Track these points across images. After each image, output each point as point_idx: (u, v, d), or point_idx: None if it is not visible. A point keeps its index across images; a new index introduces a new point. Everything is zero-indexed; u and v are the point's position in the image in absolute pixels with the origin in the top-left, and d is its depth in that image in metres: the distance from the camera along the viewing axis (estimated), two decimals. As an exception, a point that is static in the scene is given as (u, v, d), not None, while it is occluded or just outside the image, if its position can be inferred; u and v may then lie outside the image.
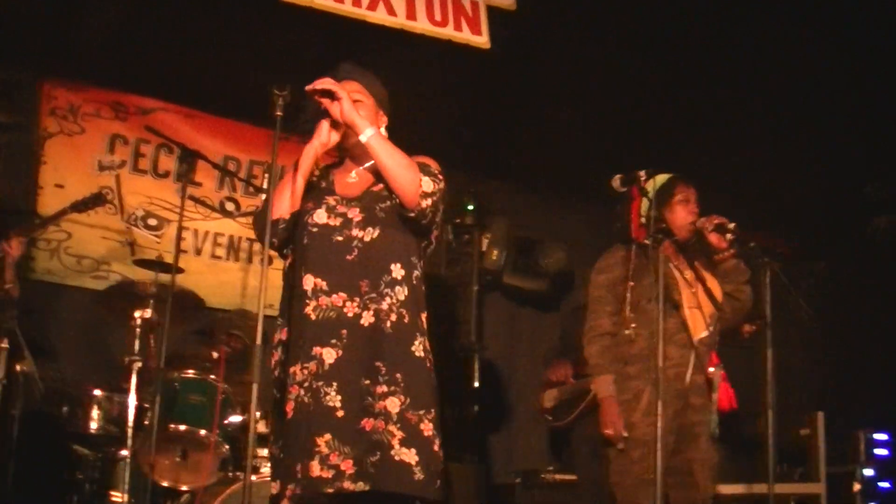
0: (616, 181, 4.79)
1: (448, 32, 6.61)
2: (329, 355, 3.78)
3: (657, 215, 4.93)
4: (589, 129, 8.07)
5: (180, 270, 5.94)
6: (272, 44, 6.74)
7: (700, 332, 5.06)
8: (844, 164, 8.40)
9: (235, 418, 5.95)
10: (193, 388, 5.95)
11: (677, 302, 5.04)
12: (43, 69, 7.13)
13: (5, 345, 5.28)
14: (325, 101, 3.85)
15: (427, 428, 3.81)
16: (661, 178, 5.09)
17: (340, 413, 3.75)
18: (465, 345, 8.29)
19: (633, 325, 4.99)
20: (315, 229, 3.89)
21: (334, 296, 3.82)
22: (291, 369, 3.81)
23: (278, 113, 3.77)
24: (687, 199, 5.18)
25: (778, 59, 7.20)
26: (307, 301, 3.82)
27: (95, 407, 5.86)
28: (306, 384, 3.76)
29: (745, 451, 6.73)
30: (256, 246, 7.49)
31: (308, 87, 3.86)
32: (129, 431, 5.53)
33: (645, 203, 4.95)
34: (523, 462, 8.13)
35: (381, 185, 3.96)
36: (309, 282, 3.83)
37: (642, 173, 4.72)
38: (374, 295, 3.83)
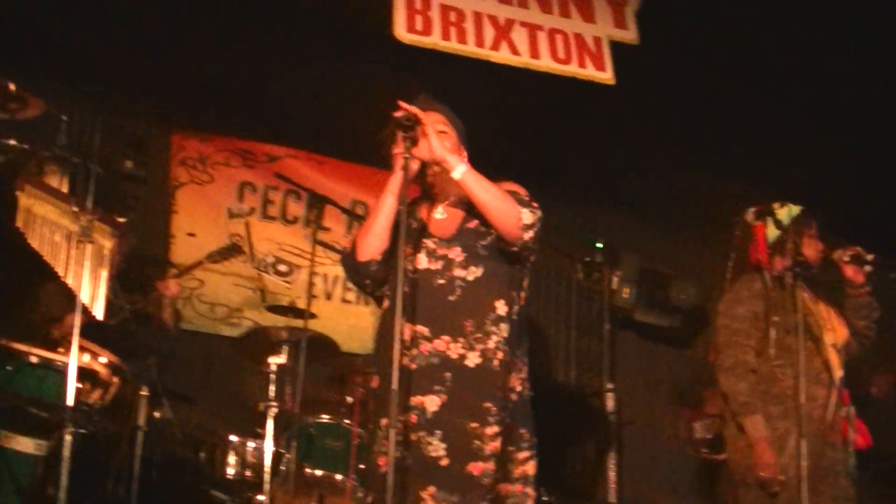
0: (750, 215, 4.64)
1: (572, 69, 6.51)
2: (432, 403, 3.70)
3: (794, 247, 4.75)
4: (718, 161, 7.90)
5: (313, 316, 5.94)
6: (398, 86, 6.71)
7: (839, 369, 4.87)
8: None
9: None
10: (329, 433, 5.92)
11: (819, 338, 4.84)
12: (172, 121, 7.24)
13: (145, 392, 5.30)
14: (409, 135, 3.74)
15: (530, 466, 3.80)
16: (794, 210, 4.90)
17: (445, 461, 3.66)
18: (598, 385, 8.14)
19: (778, 362, 4.79)
20: (415, 275, 3.78)
21: (437, 341, 3.74)
22: (383, 421, 3.68)
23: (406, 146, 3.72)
24: (815, 232, 5.00)
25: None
26: (405, 351, 3.68)
27: (232, 452, 5.85)
28: (400, 438, 3.59)
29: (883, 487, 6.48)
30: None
31: (396, 114, 3.76)
32: (266, 477, 5.49)
33: (773, 232, 4.76)
34: (664, 502, 7.93)
35: (475, 221, 3.87)
36: (408, 331, 3.72)
37: (777, 205, 4.56)
38: (479, 335, 3.74)
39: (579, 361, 8.45)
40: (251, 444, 5.83)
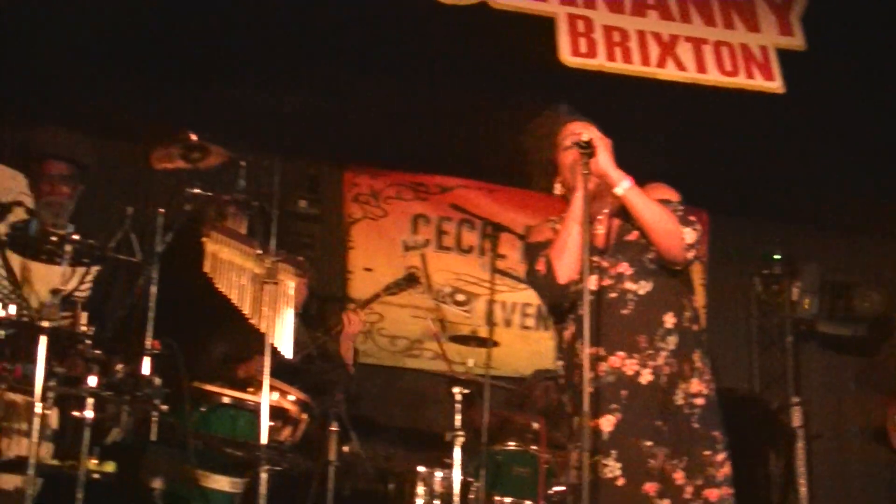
0: None
1: (740, 81, 6.39)
2: (607, 423, 3.68)
3: None
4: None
5: (495, 344, 5.94)
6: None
7: None
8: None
9: (560, 487, 5.84)
10: (516, 460, 5.92)
11: None
12: (344, 159, 7.37)
13: (335, 428, 5.38)
14: (587, 153, 3.72)
15: (679, 476, 3.67)
16: None
17: (621, 482, 3.63)
18: (783, 399, 7.97)
19: None
20: (591, 296, 3.68)
21: (612, 357, 3.73)
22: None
23: (584, 172, 3.68)
24: None
25: None
26: (582, 373, 3.62)
27: (420, 483, 5.88)
28: (576, 464, 3.59)
29: None
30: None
31: (573, 139, 3.78)
32: (455, 507, 5.51)
33: None
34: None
35: (635, 233, 3.86)
36: (585, 353, 3.63)
37: None
38: (650, 351, 3.73)
39: (762, 376, 8.28)
40: (439, 474, 5.85)
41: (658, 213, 3.76)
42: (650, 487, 3.62)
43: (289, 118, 6.73)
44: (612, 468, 3.63)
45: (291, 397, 5.20)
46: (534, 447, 5.94)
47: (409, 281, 6.37)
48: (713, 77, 6.38)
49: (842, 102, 7.00)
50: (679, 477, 3.64)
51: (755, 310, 8.42)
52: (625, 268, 3.81)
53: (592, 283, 3.73)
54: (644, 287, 3.78)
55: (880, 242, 8.63)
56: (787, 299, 8.20)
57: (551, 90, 6.56)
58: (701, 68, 6.35)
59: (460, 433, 5.67)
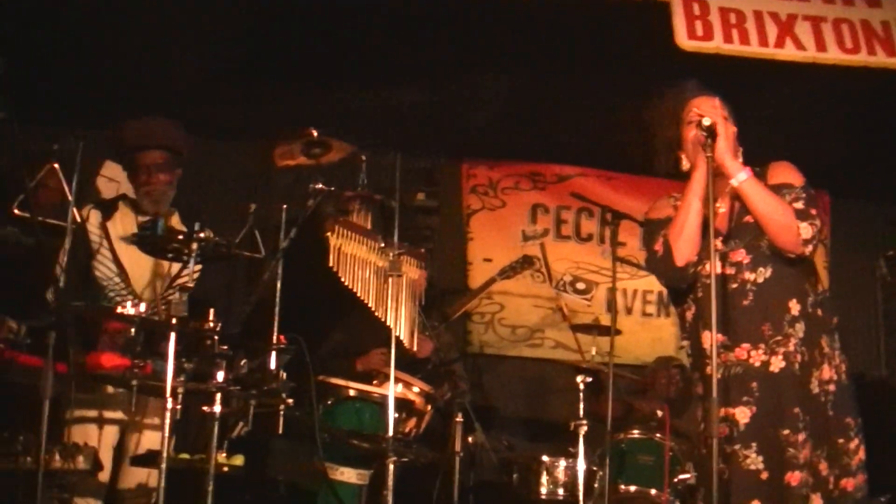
0: None
1: (862, 59, 6.25)
2: (743, 415, 3.62)
3: None
4: None
5: (618, 332, 5.92)
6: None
7: None
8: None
9: (685, 476, 5.81)
10: (641, 448, 5.91)
11: None
12: (461, 151, 7.41)
13: (460, 419, 5.43)
14: (710, 137, 3.66)
15: (823, 467, 3.62)
16: None
17: (765, 475, 3.58)
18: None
19: None
20: (708, 281, 3.64)
21: (737, 349, 3.67)
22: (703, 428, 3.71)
23: (708, 155, 3.63)
24: None
25: None
26: (705, 360, 3.64)
27: (544, 473, 5.90)
28: (715, 451, 3.51)
29: None
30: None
31: (693, 116, 3.74)
32: (580, 495, 5.51)
33: None
34: None
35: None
36: (707, 339, 3.64)
37: None
38: (779, 338, 3.65)
39: (889, 359, 8.12)
40: (563, 464, 5.87)
41: (773, 206, 3.69)
42: (792, 478, 3.57)
43: (406, 112, 6.79)
44: (755, 460, 3.59)
45: (416, 389, 5.25)
46: (658, 435, 5.93)
47: (523, 264, 6.36)
48: (833, 55, 6.25)
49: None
50: (823, 468, 3.61)
51: (880, 292, 8.25)
52: (742, 255, 3.74)
53: (716, 267, 3.66)
54: (763, 274, 3.71)
55: None
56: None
57: (668, 75, 6.55)
58: (820, 47, 6.22)
59: (584, 422, 5.67)
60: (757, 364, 3.64)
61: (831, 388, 3.69)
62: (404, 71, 6.59)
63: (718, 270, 3.68)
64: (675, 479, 5.77)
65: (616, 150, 7.32)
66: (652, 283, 7.48)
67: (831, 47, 6.22)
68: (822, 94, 6.72)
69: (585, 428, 5.66)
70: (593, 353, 6.05)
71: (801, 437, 3.59)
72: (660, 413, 6.17)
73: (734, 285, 3.71)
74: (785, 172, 3.84)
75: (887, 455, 7.42)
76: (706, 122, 3.67)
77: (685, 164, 3.85)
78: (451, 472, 5.35)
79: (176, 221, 4.82)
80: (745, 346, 3.66)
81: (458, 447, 5.37)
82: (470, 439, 5.56)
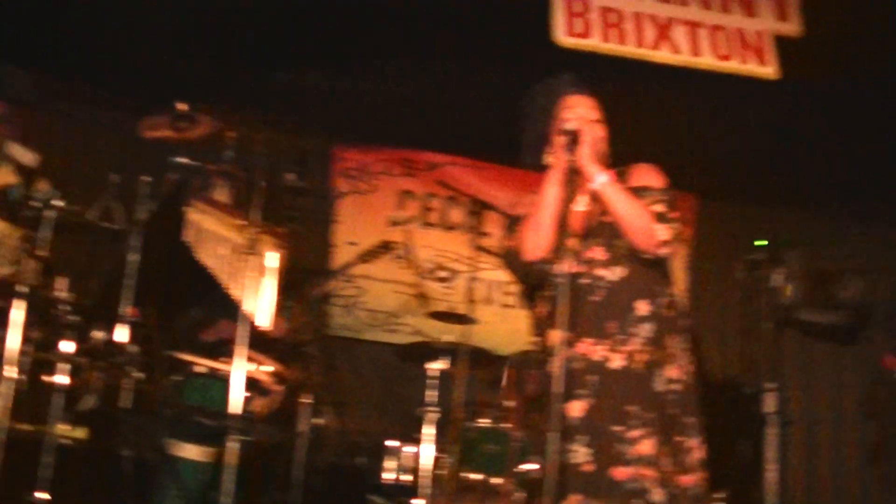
0: None
1: (734, 66, 6.41)
2: (575, 408, 3.67)
3: None
4: (886, 153, 7.70)
5: (473, 321, 5.98)
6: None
7: None
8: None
9: (531, 466, 5.91)
10: (488, 437, 5.96)
11: None
12: (333, 133, 7.40)
13: (308, 400, 5.43)
14: (572, 140, 3.72)
15: (666, 462, 3.65)
16: None
17: (589, 467, 3.62)
18: (759, 384, 8.02)
19: None
20: (562, 280, 3.62)
21: (580, 344, 3.71)
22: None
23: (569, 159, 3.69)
24: None
25: None
26: (551, 358, 3.62)
27: (390, 458, 5.97)
28: (554, 445, 3.53)
29: None
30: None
31: (561, 126, 3.77)
32: (424, 481, 5.58)
33: None
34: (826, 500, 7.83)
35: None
36: (555, 336, 3.60)
37: None
38: (623, 336, 3.71)
39: (740, 361, 8.33)
40: (410, 450, 5.94)
41: (631, 209, 3.75)
42: (618, 472, 3.61)
43: (280, 92, 6.77)
44: (580, 453, 3.62)
45: (266, 368, 5.25)
46: (506, 425, 6.01)
47: (384, 249, 6.37)
48: (707, 61, 6.40)
49: (835, 90, 7.03)
50: (666, 463, 3.65)
51: (737, 295, 8.45)
52: (598, 252, 3.80)
53: (567, 266, 3.68)
54: (617, 273, 3.78)
55: (865, 229, 8.68)
56: (768, 286, 8.22)
57: (543, 70, 6.64)
58: (695, 52, 6.36)
59: (433, 409, 5.73)
60: (597, 359, 3.69)
61: (677, 387, 3.74)
62: (279, 50, 6.57)
63: (568, 268, 3.66)
64: (519, 469, 5.88)
65: (488, 140, 7.40)
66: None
67: (706, 52, 6.36)
68: (695, 97, 6.87)
69: (435, 415, 5.73)
70: (448, 342, 6.10)
71: (637, 433, 3.63)
72: (509, 403, 6.27)
73: (585, 281, 3.76)
74: (646, 175, 3.91)
75: (728, 453, 7.68)
76: (570, 126, 3.73)
77: (549, 160, 3.88)
78: (296, 452, 5.34)
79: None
80: (588, 340, 3.71)
81: (304, 428, 5.37)
82: (318, 421, 5.56)
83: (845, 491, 8.07)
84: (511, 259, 3.92)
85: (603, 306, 3.75)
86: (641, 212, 3.76)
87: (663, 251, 3.77)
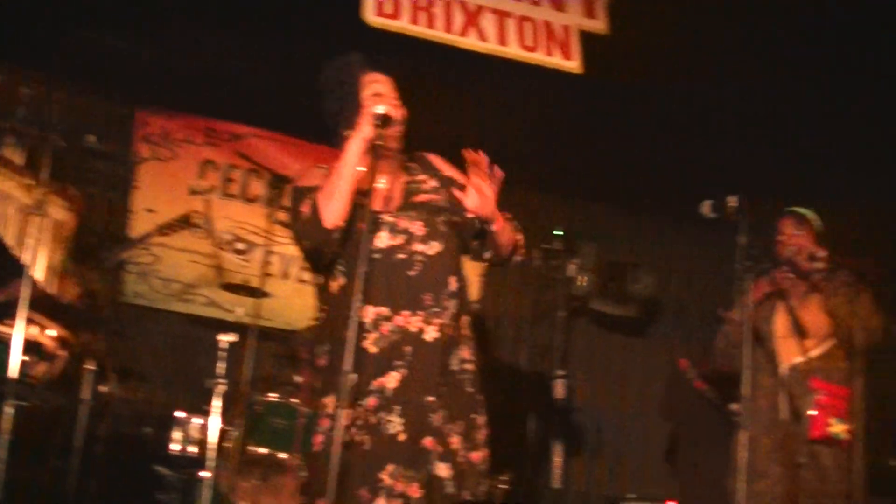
0: (706, 207, 4.68)
1: (539, 57, 6.54)
2: (392, 380, 3.69)
3: (766, 247, 4.95)
4: (684, 152, 7.96)
5: (266, 294, 5.96)
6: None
7: (792, 358, 5.04)
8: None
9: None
10: (276, 412, 5.96)
11: (766, 332, 5.05)
12: (138, 99, 7.26)
13: (91, 366, 5.32)
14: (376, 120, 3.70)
15: (455, 441, 3.73)
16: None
17: (402, 437, 3.66)
18: (551, 371, 8.22)
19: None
20: (378, 255, 3.72)
21: (397, 317, 3.72)
22: (325, 400, 3.70)
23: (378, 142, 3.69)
24: (784, 234, 5.28)
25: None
26: (366, 334, 3.68)
27: (177, 429, 5.90)
28: (359, 422, 3.62)
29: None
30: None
31: (369, 105, 3.73)
32: (211, 454, 5.54)
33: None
34: (609, 488, 8.07)
35: (434, 196, 3.89)
36: (370, 313, 3.68)
37: (732, 200, 4.59)
38: (436, 309, 3.76)
39: (533, 348, 8.51)
40: (197, 421, 5.89)
41: (508, 232, 3.87)
42: (429, 442, 3.67)
43: (84, 52, 6.59)
44: (395, 423, 3.65)
45: (51, 332, 5.14)
46: (294, 400, 6.01)
47: (184, 222, 6.28)
48: (513, 50, 6.51)
49: (637, 87, 7.23)
50: (455, 441, 3.71)
51: (533, 283, 8.63)
52: (418, 227, 3.81)
53: (383, 240, 3.74)
54: (433, 248, 3.80)
55: (658, 226, 8.97)
56: (564, 275, 8.41)
57: (350, 48, 6.64)
58: (502, 41, 6.46)
59: (222, 381, 5.69)
60: (413, 330, 3.71)
61: (469, 367, 3.84)
62: (88, 11, 6.40)
63: (387, 242, 3.75)
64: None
65: (292, 115, 7.35)
66: (312, 250, 7.57)
67: (512, 42, 6.47)
68: (500, 87, 6.98)
69: (223, 387, 5.68)
70: (240, 313, 6.07)
71: (442, 409, 3.71)
72: (299, 378, 6.28)
73: (402, 256, 3.76)
74: (447, 166, 3.99)
75: (516, 437, 7.84)
76: (382, 110, 3.70)
77: (349, 134, 3.77)
78: (77, 419, 5.23)
79: None
80: (405, 313, 3.72)
81: (86, 395, 5.25)
82: (103, 388, 5.45)
83: (618, 476, 8.33)
84: (305, 226, 3.74)
85: (419, 279, 3.76)
86: (511, 227, 3.89)
87: (519, 256, 3.94)
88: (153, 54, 6.77)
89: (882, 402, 8.50)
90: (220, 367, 5.73)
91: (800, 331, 4.94)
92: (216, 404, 5.64)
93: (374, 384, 3.66)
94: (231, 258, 7.14)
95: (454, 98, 6.94)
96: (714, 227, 4.74)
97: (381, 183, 3.87)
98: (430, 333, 3.74)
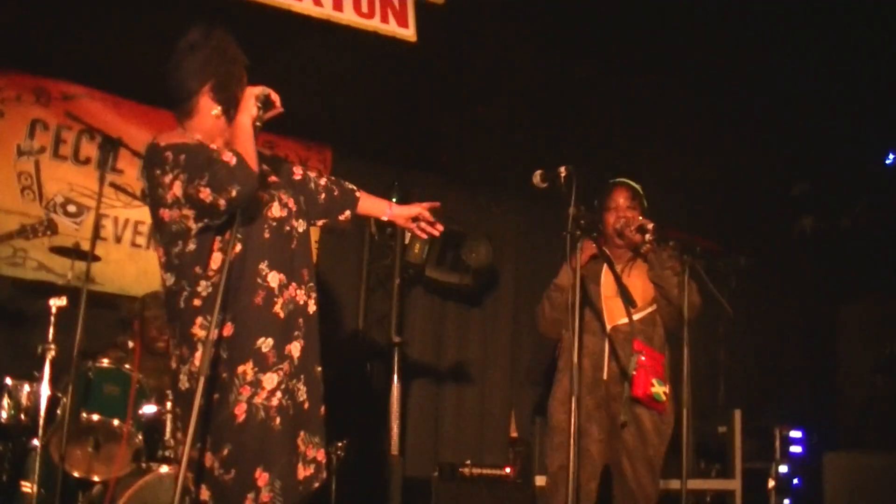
0: (537, 177, 4.79)
1: (374, 24, 6.57)
2: (295, 349, 3.79)
3: (594, 216, 5.19)
4: (517, 123, 8.10)
5: (96, 258, 5.86)
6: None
7: (617, 319, 5.18)
8: (772, 163, 8.51)
9: (150, 408, 5.89)
10: (108, 378, 5.87)
11: (592, 293, 5.21)
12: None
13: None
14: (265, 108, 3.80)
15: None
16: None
17: (307, 405, 3.83)
18: (386, 339, 8.30)
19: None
20: (274, 223, 3.84)
21: (290, 287, 3.82)
22: (241, 369, 3.69)
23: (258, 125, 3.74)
24: (616, 205, 5.42)
25: (708, 55, 7.22)
26: (275, 299, 3.76)
27: (6, 396, 5.78)
28: (282, 386, 3.72)
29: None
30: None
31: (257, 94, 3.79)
32: (41, 421, 5.44)
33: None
34: (445, 455, 8.19)
35: (297, 176, 4.17)
36: (274, 279, 3.77)
37: (562, 170, 4.70)
38: (311, 283, 3.91)
39: (368, 316, 8.56)
40: (27, 388, 5.78)
41: None
42: (322, 409, 3.92)
43: None
44: (301, 392, 3.80)
45: None
46: (127, 366, 5.94)
47: (47, 227, 6.14)
48: (348, 17, 6.51)
49: (473, 58, 7.33)
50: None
51: (368, 252, 8.67)
52: (292, 204, 3.97)
53: (276, 210, 3.87)
54: (302, 226, 3.97)
55: (493, 197, 9.10)
56: (399, 243, 8.48)
57: (188, 12, 6.54)
58: (337, 6, 6.46)
59: (52, 347, 5.59)
60: (301, 303, 3.84)
61: None
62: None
63: (279, 213, 3.87)
64: (140, 412, 5.85)
65: (126, 74, 7.23)
66: (145, 215, 7.40)
67: (348, 9, 6.48)
68: (338, 53, 6.99)
69: (53, 353, 5.58)
70: (70, 277, 5.97)
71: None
72: (131, 344, 6.22)
73: (287, 228, 3.89)
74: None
75: (344, 405, 7.91)
76: (263, 92, 3.76)
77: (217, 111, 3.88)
78: None
79: None
80: (294, 285, 3.83)
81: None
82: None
83: (464, 446, 8.46)
84: (236, 172, 3.58)
85: (298, 254, 3.91)
86: None
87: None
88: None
89: (711, 370, 8.91)
90: (50, 332, 5.64)
91: (624, 296, 5.06)
92: (46, 371, 5.55)
93: (287, 349, 3.76)
94: (62, 221, 6.96)
95: (289, 66, 6.91)
96: (546, 196, 4.85)
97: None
98: (311, 307, 3.89)
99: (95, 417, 5.71)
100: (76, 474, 5.66)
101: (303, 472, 3.77)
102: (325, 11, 6.41)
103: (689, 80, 7.44)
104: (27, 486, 5.66)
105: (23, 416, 5.78)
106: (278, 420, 3.67)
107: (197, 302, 3.71)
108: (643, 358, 5.11)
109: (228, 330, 3.72)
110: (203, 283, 3.71)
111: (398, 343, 8.13)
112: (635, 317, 5.18)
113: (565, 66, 7.38)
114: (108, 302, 6.51)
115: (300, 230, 3.94)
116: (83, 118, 6.59)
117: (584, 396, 5.02)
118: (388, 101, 7.77)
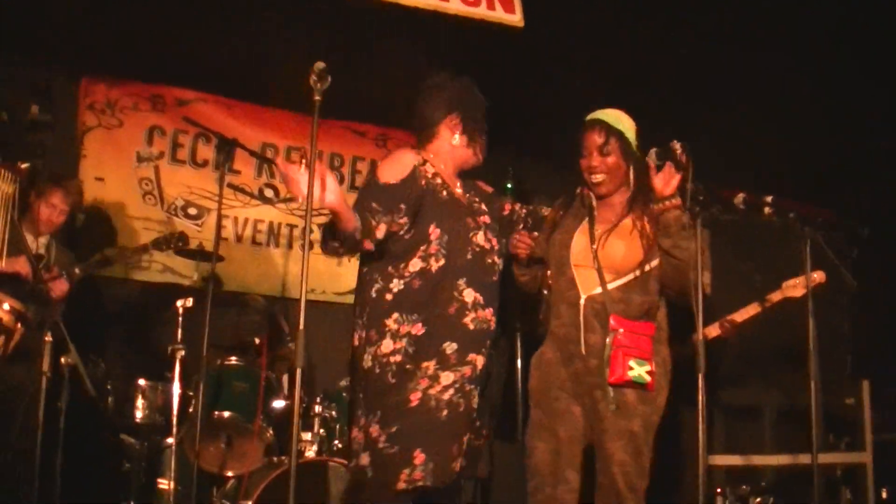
0: (652, 155, 4.46)
1: (481, 12, 6.58)
2: (480, 362, 4.23)
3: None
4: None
5: (221, 258, 5.96)
6: (306, 29, 6.74)
7: (591, 289, 4.44)
8: (887, 126, 8.26)
9: (279, 403, 5.98)
10: (237, 376, 6.00)
11: (566, 259, 4.49)
12: (80, 66, 7.19)
13: (49, 338, 5.27)
14: None
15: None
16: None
17: (473, 414, 4.26)
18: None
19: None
20: (478, 249, 4.34)
21: (487, 310, 4.30)
22: (425, 364, 4.15)
23: (317, 97, 3.80)
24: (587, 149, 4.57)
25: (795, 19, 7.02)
26: (467, 311, 4.24)
27: (140, 397, 5.92)
28: (457, 385, 4.17)
29: (792, 423, 6.66)
30: (297, 232, 7.55)
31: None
32: (174, 420, 5.56)
33: None
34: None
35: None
36: (470, 295, 4.25)
37: (677, 146, 4.43)
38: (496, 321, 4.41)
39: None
40: (158, 388, 5.91)
41: None
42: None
43: (24, 21, 6.50)
44: (475, 399, 4.35)
45: (5, 306, 5.12)
46: (255, 363, 6.03)
47: (179, 239, 6.28)
48: (455, 6, 6.52)
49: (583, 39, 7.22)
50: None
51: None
52: (496, 242, 4.58)
53: (481, 239, 4.49)
54: (500, 264, 4.55)
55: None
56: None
57: (296, 12, 6.62)
58: (444, -3, 6.48)
59: (181, 347, 5.69)
60: (492, 328, 4.42)
61: None
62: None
63: (482, 243, 4.43)
64: (270, 407, 5.94)
65: (237, 77, 7.33)
66: (264, 213, 7.56)
67: (454, -1, 6.50)
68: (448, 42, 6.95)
69: (182, 353, 5.68)
70: (196, 278, 6.08)
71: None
72: (258, 341, 6.30)
73: (489, 261, 4.48)
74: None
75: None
76: None
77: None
78: (38, 393, 5.20)
79: None
80: (490, 310, 4.39)
81: (46, 367, 5.20)
82: (63, 360, 5.40)
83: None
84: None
85: (497, 287, 4.53)
86: None
87: None
88: (95, 21, 6.69)
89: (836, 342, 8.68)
90: (179, 333, 5.75)
91: (598, 263, 4.42)
92: (176, 370, 5.65)
93: (470, 357, 4.22)
94: (183, 224, 7.10)
95: (394, 58, 6.92)
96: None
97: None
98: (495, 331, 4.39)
99: (226, 415, 5.83)
100: (210, 470, 5.78)
101: (458, 466, 4.16)
102: (433, 2, 6.43)
103: (777, 43, 7.23)
104: (164, 483, 5.79)
105: (157, 416, 5.92)
106: (445, 412, 4.12)
107: (388, 297, 4.21)
108: (620, 336, 4.31)
109: (419, 329, 4.18)
110: (395, 280, 4.22)
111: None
112: (611, 286, 4.42)
113: (667, 44, 7.23)
114: (232, 301, 6.58)
115: (498, 269, 4.42)
116: (199, 121, 6.69)
117: (560, 367, 4.64)
118: (496, 87, 7.69)
